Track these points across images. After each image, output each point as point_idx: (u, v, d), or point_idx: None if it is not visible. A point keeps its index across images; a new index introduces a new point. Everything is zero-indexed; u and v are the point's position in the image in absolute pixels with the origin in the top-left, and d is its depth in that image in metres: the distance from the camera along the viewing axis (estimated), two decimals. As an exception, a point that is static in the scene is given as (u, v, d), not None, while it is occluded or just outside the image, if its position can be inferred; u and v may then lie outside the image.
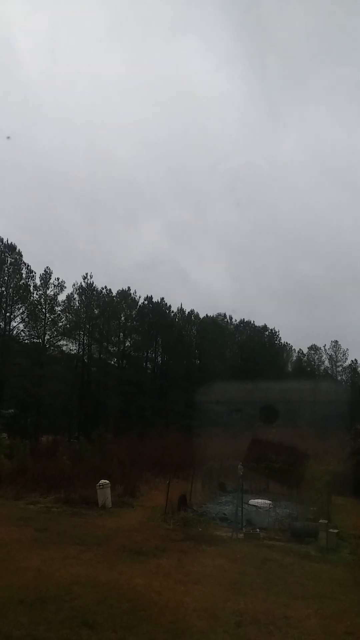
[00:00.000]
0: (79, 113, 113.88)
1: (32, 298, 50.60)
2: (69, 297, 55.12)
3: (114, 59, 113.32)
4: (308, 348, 77.23)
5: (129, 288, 62.24)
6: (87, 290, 58.63)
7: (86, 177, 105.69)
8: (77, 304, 57.33)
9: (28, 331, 51.55)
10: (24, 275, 50.43)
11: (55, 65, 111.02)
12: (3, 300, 49.64)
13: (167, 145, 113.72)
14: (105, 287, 60.86)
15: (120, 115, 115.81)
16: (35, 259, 71.25)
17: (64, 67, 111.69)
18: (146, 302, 64.13)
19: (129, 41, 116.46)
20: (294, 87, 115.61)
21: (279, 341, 77.32)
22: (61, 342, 54.80)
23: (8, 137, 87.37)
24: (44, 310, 51.23)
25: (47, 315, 51.48)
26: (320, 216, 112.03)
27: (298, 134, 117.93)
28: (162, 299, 65.67)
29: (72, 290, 56.26)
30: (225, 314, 72.83)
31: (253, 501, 18.69)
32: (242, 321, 74.16)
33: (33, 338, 52.13)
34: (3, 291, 49.63)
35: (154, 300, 64.88)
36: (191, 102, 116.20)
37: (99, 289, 60.12)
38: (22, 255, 50.41)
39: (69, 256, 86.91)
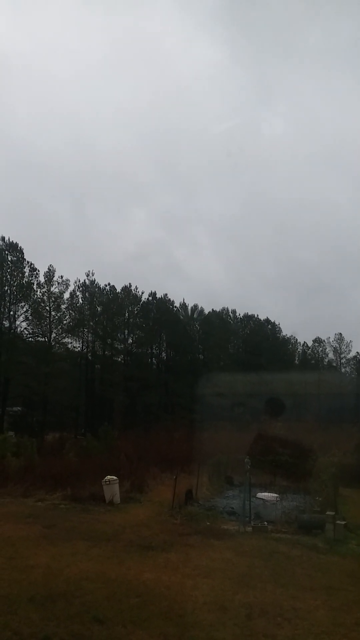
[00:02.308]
0: (55, 95, 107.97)
1: (35, 296, 50.67)
2: (72, 295, 55.21)
3: (89, 37, 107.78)
4: (313, 341, 77.34)
5: (130, 284, 62.33)
6: (89, 287, 58.71)
7: (68, 165, 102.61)
8: (80, 301, 57.42)
9: (32, 329, 51.68)
10: (26, 274, 50.50)
11: (32, 47, 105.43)
12: (6, 298, 49.72)
13: (151, 130, 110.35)
14: (109, 283, 60.97)
15: (98, 98, 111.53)
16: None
17: (41, 49, 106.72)
18: (150, 297, 64.18)
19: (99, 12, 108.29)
20: (283, 51, 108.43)
21: (282, 334, 77.48)
22: (66, 340, 54.98)
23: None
24: (47, 308, 51.31)
25: (53, 313, 51.58)
26: (316, 200, 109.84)
27: (288, 107, 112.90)
28: (166, 294, 65.77)
29: (74, 287, 56.35)
30: (227, 308, 72.89)
31: (260, 494, 18.72)
32: (245, 315, 74.24)
33: (38, 336, 52.26)
34: (6, 290, 49.69)
35: (158, 296, 64.97)
36: (172, 79, 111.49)
37: (102, 285, 60.28)
38: (23, 254, 50.47)
39: (57, 250, 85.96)
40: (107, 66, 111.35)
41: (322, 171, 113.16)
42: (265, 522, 14.68)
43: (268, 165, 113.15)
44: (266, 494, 18.97)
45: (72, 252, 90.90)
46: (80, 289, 57.58)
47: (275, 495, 18.78)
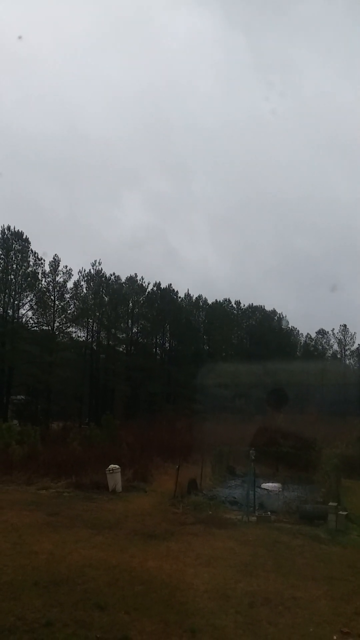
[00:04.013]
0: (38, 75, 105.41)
1: (40, 285, 50.68)
2: (76, 284, 55.17)
3: (79, 19, 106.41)
4: (316, 332, 77.18)
5: (136, 274, 62.24)
6: (95, 277, 58.65)
7: (59, 150, 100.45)
8: (85, 291, 57.41)
9: (37, 318, 51.75)
10: (31, 263, 50.47)
11: (20, 30, 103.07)
12: (12, 288, 49.75)
13: (141, 107, 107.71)
14: (114, 273, 60.89)
15: (88, 80, 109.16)
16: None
17: (30, 32, 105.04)
18: (154, 288, 64.12)
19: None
20: (278, 23, 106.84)
21: (287, 325, 77.35)
22: (70, 330, 55.04)
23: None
24: (52, 297, 51.36)
25: (57, 302, 51.63)
26: (314, 183, 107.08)
27: (287, 85, 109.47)
28: (170, 285, 65.61)
29: (78, 277, 56.27)
30: (229, 299, 72.69)
31: (265, 484, 18.80)
32: (250, 306, 74.07)
33: (42, 325, 52.32)
34: (11, 279, 49.71)
35: (162, 286, 64.88)
36: (161, 54, 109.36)
37: (108, 275, 60.21)
38: (29, 243, 50.39)
39: (51, 236, 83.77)
40: (98, 46, 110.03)
41: (323, 155, 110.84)
42: (269, 512, 14.76)
43: (267, 151, 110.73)
44: (270, 484, 19.04)
45: (67, 239, 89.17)
46: (85, 278, 57.59)
47: (279, 485, 18.85)
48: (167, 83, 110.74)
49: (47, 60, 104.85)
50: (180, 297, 67.17)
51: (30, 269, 50.21)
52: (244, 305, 73.73)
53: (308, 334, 78.36)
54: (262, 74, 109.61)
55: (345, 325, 74.63)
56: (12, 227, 49.83)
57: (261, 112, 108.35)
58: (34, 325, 52.06)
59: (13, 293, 49.82)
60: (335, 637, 6.94)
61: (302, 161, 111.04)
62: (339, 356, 75.64)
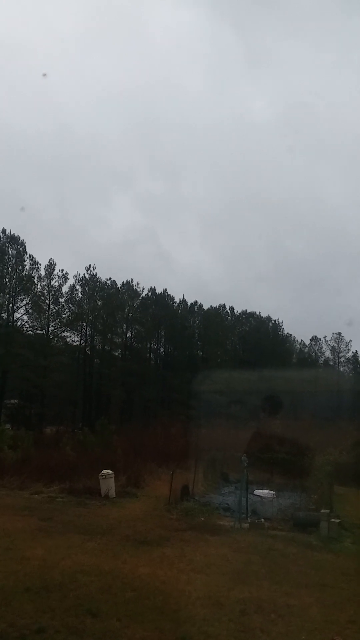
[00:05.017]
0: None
1: (35, 289, 50.64)
2: (72, 288, 55.17)
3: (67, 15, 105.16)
4: (310, 339, 77.35)
5: (132, 280, 62.32)
6: (89, 282, 58.66)
7: (48, 149, 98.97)
8: (80, 295, 57.40)
9: (32, 322, 51.69)
10: (27, 267, 50.46)
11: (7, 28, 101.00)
12: (7, 291, 49.69)
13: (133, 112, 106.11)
14: (109, 278, 60.92)
15: (76, 78, 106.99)
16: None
17: (18, 29, 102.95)
18: (149, 293, 64.16)
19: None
20: (269, 20, 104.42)
21: (281, 332, 77.42)
22: (65, 334, 54.98)
23: None
24: (47, 301, 51.29)
25: (51, 306, 51.57)
26: (308, 186, 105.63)
27: (276, 83, 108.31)
28: (165, 290, 65.75)
29: (74, 281, 56.29)
30: (224, 305, 72.79)
31: (257, 491, 18.77)
32: (244, 312, 74.17)
33: (37, 329, 52.24)
34: (6, 282, 49.65)
35: (157, 291, 64.98)
36: (149, 51, 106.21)
37: (103, 280, 60.23)
38: (25, 247, 50.43)
39: (40, 238, 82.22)
40: (86, 44, 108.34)
41: (316, 156, 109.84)
42: (262, 519, 14.73)
43: (258, 151, 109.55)
44: (263, 491, 19.02)
45: (56, 240, 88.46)
46: (80, 282, 57.60)
47: (272, 492, 18.83)
48: (156, 81, 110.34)
49: (35, 59, 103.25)
50: (175, 303, 67.32)
51: (25, 272, 50.21)
52: (238, 312, 73.89)
53: (302, 340, 78.64)
54: (253, 71, 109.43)
55: (340, 333, 74.89)
56: (7, 231, 49.90)
57: (252, 109, 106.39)
58: (28, 329, 52.06)
59: (8, 296, 49.78)
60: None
61: (294, 160, 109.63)
62: (331, 363, 75.79)
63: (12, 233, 49.94)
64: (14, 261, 49.84)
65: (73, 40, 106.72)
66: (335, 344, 75.41)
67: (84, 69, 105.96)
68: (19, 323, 51.16)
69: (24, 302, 50.50)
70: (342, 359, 76.42)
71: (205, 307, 69.60)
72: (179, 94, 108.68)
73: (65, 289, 53.28)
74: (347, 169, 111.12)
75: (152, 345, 66.48)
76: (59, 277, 51.66)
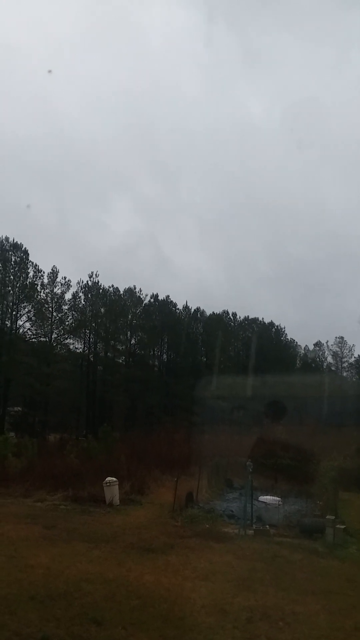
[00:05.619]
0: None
1: (38, 297, 50.76)
2: (74, 295, 55.28)
3: (64, 17, 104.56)
4: (314, 345, 77.24)
5: (134, 286, 62.43)
6: (92, 289, 58.78)
7: (45, 153, 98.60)
8: (83, 302, 57.51)
9: (35, 330, 51.77)
10: (30, 274, 50.59)
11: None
12: (10, 299, 49.83)
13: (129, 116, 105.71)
14: (112, 285, 61.06)
15: (73, 81, 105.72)
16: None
17: (15, 32, 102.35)
18: (152, 299, 64.25)
19: None
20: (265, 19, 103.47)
21: (285, 337, 77.37)
22: (68, 341, 55.04)
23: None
24: (50, 309, 51.40)
25: (54, 314, 51.67)
26: (309, 187, 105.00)
27: (274, 84, 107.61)
28: (168, 296, 65.83)
29: (77, 288, 56.41)
30: (227, 311, 72.80)
31: (262, 498, 18.69)
32: (246, 318, 74.17)
33: (40, 337, 52.34)
34: (9, 290, 49.80)
35: (160, 298, 65.06)
36: (145, 54, 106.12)
37: (106, 287, 60.35)
38: (28, 254, 50.59)
39: (38, 244, 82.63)
40: (81, 47, 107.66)
41: (315, 159, 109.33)
42: (267, 526, 14.66)
43: (258, 154, 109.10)
44: (268, 497, 18.93)
45: (56, 245, 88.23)
46: (83, 289, 57.71)
47: (278, 498, 18.74)
48: (154, 85, 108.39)
49: (32, 63, 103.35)
50: (177, 309, 67.33)
51: (29, 280, 50.34)
52: (240, 317, 73.86)
53: (306, 345, 78.55)
54: (251, 71, 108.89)
55: (342, 337, 74.78)
56: (10, 239, 50.09)
57: (251, 111, 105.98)
58: (32, 336, 52.13)
59: (11, 304, 49.90)
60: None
61: (293, 164, 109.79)
62: (333, 368, 75.62)
63: (14, 241, 50.20)
64: (17, 269, 50.00)
65: (69, 45, 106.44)
66: (337, 349, 75.37)
67: (80, 73, 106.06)
68: (22, 330, 51.29)
69: (27, 309, 50.66)
70: (345, 364, 76.34)
71: (207, 313, 69.76)
72: (177, 97, 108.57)
73: (68, 296, 53.42)
74: (348, 169, 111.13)
75: (155, 351, 66.48)
76: (61, 284, 51.87)
